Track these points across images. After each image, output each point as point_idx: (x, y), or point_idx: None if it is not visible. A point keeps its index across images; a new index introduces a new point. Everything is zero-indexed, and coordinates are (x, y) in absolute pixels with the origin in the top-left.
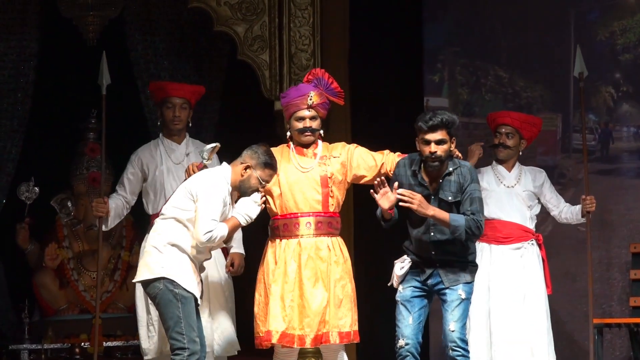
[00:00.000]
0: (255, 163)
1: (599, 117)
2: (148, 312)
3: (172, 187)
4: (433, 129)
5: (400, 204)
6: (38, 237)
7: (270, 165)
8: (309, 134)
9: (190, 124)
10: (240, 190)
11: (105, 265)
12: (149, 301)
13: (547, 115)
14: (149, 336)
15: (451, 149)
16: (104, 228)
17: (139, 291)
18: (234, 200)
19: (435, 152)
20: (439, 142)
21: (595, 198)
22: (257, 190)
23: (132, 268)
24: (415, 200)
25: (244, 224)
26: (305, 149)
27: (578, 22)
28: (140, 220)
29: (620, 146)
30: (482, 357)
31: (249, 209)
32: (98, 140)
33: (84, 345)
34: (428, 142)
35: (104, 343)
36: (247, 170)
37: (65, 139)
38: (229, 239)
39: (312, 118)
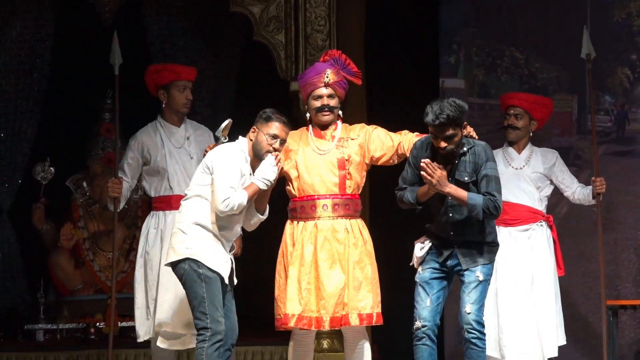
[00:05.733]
0: (260, 123)
1: (615, 99)
2: (145, 293)
3: (175, 171)
4: (440, 126)
5: (421, 173)
6: (53, 218)
7: (270, 117)
8: (327, 112)
9: None
10: (256, 155)
11: (120, 246)
12: (149, 285)
13: (563, 97)
14: (147, 319)
15: (464, 134)
16: (114, 207)
17: (139, 274)
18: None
19: (445, 147)
20: (447, 138)
21: (611, 179)
22: (271, 152)
23: None
24: (435, 176)
25: (264, 188)
26: (323, 131)
27: (594, 3)
28: None
29: (636, 127)
30: (490, 338)
31: (265, 172)
32: (113, 121)
33: (99, 325)
34: (437, 137)
35: (119, 323)
36: (255, 131)
37: (81, 119)
38: (263, 207)
39: (330, 96)
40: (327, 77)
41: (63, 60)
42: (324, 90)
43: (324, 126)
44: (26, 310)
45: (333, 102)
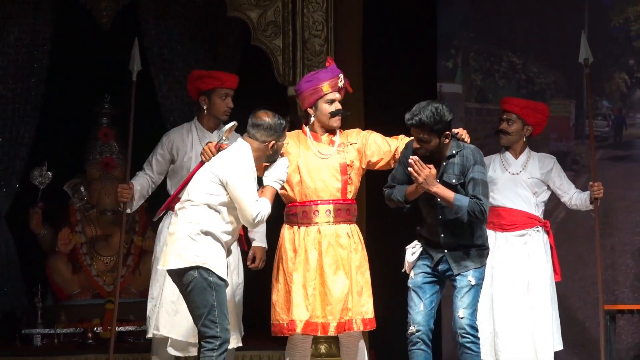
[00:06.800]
0: (277, 136)
1: (613, 104)
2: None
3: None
4: (412, 127)
5: (409, 169)
6: (51, 222)
7: (285, 126)
8: (340, 116)
9: None
10: (268, 161)
11: (118, 250)
12: (152, 282)
13: (561, 102)
14: (152, 315)
15: (445, 142)
16: (128, 210)
17: (154, 271)
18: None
19: (418, 148)
20: (420, 141)
21: (608, 184)
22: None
23: (144, 253)
24: (423, 173)
25: (279, 189)
26: (321, 135)
27: (592, 8)
28: (153, 206)
29: (633, 132)
30: (486, 343)
31: (280, 174)
32: (111, 126)
33: (97, 330)
34: (414, 137)
35: (117, 328)
36: (274, 145)
37: (78, 123)
38: None
39: (340, 101)
40: (341, 81)
41: (61, 64)
42: (337, 95)
43: (328, 130)
44: (24, 314)
45: (340, 107)
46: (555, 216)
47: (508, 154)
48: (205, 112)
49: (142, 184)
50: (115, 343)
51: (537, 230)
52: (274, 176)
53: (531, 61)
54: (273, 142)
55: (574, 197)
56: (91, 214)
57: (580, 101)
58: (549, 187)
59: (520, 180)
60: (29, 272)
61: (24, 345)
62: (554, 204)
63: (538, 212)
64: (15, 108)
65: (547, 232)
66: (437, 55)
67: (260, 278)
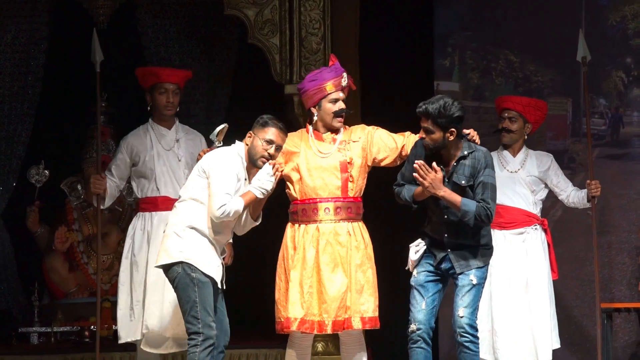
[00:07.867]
0: (255, 127)
1: (610, 102)
2: (130, 295)
3: (163, 173)
4: (419, 114)
5: (414, 174)
6: (48, 220)
7: (267, 123)
8: (344, 115)
9: (177, 109)
10: (250, 160)
11: (114, 249)
12: (134, 286)
13: (558, 100)
14: (130, 320)
15: (449, 139)
16: (102, 206)
17: (124, 275)
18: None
19: (423, 138)
20: (425, 130)
21: (605, 182)
22: (267, 158)
23: None
24: (428, 178)
25: (261, 197)
26: (324, 134)
27: (589, 6)
28: None
29: (630, 131)
30: (484, 341)
31: (262, 181)
32: (108, 124)
33: (94, 328)
34: (421, 125)
35: (113, 326)
36: (250, 137)
37: (75, 122)
38: (257, 214)
39: (343, 100)
40: (344, 80)
41: (57, 63)
42: (340, 94)
43: (331, 129)
44: (20, 313)
45: (344, 106)
46: (553, 214)
47: (506, 152)
48: (151, 109)
49: (109, 185)
50: (111, 341)
51: (535, 229)
52: (257, 183)
53: (528, 59)
54: (251, 133)
55: (572, 195)
56: (88, 213)
57: (577, 99)
58: (546, 185)
59: (518, 179)
60: (25, 271)
61: (20, 344)
62: (551, 202)
63: (536, 210)
64: (12, 106)
65: (545, 230)
66: (434, 54)
67: (259, 276)
